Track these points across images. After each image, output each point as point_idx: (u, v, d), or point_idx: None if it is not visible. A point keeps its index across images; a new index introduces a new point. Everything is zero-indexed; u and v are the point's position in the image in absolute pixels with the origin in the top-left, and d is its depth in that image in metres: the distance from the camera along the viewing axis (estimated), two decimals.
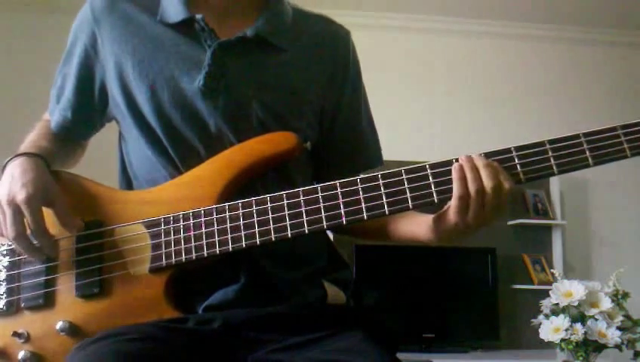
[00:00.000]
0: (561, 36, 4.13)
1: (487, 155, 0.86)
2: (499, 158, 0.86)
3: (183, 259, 0.88)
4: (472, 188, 0.84)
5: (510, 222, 3.71)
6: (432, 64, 4.03)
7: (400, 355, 0.88)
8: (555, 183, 3.79)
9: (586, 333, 2.10)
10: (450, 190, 0.85)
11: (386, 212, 0.85)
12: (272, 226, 0.87)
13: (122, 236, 0.91)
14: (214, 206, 0.89)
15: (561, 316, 2.15)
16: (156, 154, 0.96)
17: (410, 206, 0.86)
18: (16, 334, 0.89)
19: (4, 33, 3.66)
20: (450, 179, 0.85)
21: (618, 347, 2.12)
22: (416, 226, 0.98)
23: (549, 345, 2.23)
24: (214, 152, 0.93)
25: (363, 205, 0.86)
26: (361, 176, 0.88)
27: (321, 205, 0.86)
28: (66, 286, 0.90)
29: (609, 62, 4.16)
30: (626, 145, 0.83)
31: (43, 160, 0.94)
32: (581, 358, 2.16)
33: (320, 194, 0.87)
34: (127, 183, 1.02)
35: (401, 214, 0.97)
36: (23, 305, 0.91)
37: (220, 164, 0.92)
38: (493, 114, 3.98)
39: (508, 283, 3.64)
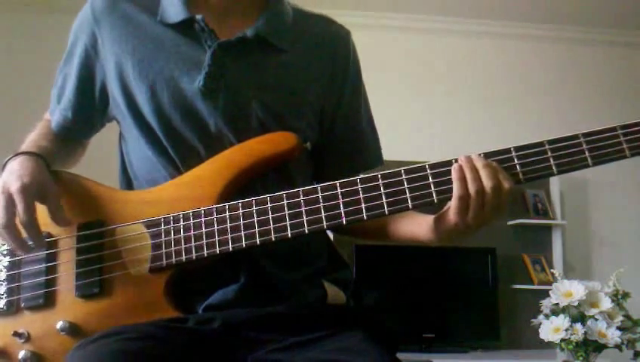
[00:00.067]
0: (560, 36, 4.13)
1: (487, 155, 0.86)
2: (498, 158, 0.86)
3: (183, 259, 0.88)
4: (471, 188, 0.84)
5: (510, 222, 3.71)
6: (432, 64, 4.03)
7: (400, 355, 0.88)
8: (555, 183, 3.79)
9: (586, 333, 2.10)
10: (450, 190, 0.85)
11: (386, 212, 0.85)
12: (272, 226, 0.87)
13: (122, 236, 0.91)
14: (214, 206, 0.89)
15: (561, 316, 2.15)
16: (156, 155, 0.96)
17: (410, 206, 0.86)
18: (16, 334, 0.89)
19: (4, 33, 3.66)
20: (450, 179, 0.85)
21: (618, 347, 2.12)
22: (416, 226, 0.98)
23: (549, 345, 2.23)
24: (214, 152, 0.93)
25: (363, 205, 0.86)
26: (361, 176, 0.88)
27: (321, 205, 0.86)
28: (66, 286, 0.91)
29: (608, 62, 4.16)
30: (625, 146, 0.83)
31: (42, 159, 0.95)
32: (581, 358, 2.16)
33: (320, 194, 0.87)
34: (128, 183, 1.02)
35: (401, 214, 0.97)
36: (23, 304, 0.91)
37: (220, 164, 0.93)
38: (492, 114, 3.98)
39: (508, 283, 3.64)
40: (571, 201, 3.92)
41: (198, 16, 0.95)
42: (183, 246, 0.88)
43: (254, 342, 0.88)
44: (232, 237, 0.87)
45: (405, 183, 0.86)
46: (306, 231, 0.86)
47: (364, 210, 0.85)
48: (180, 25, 0.97)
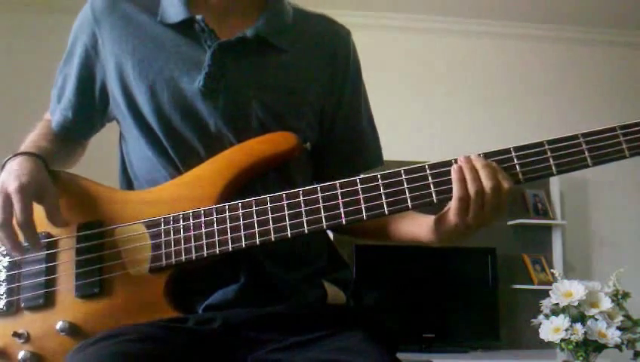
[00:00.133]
0: (560, 36, 4.13)
1: (487, 156, 0.86)
2: (498, 158, 0.86)
3: (183, 259, 0.88)
4: (471, 189, 0.84)
5: (510, 222, 3.71)
6: (432, 64, 4.03)
7: (400, 355, 0.88)
8: (555, 183, 3.79)
9: (586, 333, 2.10)
10: (450, 190, 0.85)
11: (386, 212, 0.85)
12: (271, 226, 0.87)
13: (122, 236, 0.91)
14: (214, 206, 0.89)
15: (561, 316, 2.15)
16: (156, 155, 0.96)
17: (410, 206, 0.86)
18: (16, 334, 0.89)
19: (4, 33, 3.66)
20: (450, 179, 0.85)
21: (618, 347, 2.12)
22: (417, 227, 0.98)
23: (549, 345, 2.23)
24: (214, 152, 0.93)
25: (362, 205, 0.86)
26: (361, 176, 0.88)
27: (321, 205, 0.86)
28: (66, 286, 0.90)
29: (608, 62, 4.16)
30: (624, 146, 0.83)
31: (41, 159, 0.94)
32: (581, 358, 2.16)
33: (320, 194, 0.87)
34: (128, 183, 1.02)
35: (402, 215, 0.97)
36: (23, 305, 0.91)
37: (220, 164, 0.92)
38: (492, 114, 3.98)
39: (508, 283, 3.64)
40: (571, 201, 3.92)
41: (198, 17, 0.95)
42: (183, 246, 0.88)
43: (254, 342, 0.88)
44: (231, 238, 0.87)
45: (405, 183, 0.86)
46: (306, 231, 0.86)
47: (363, 210, 0.85)
48: (180, 25, 0.97)
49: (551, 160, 0.84)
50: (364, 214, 0.85)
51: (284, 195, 0.88)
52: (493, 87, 4.04)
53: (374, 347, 0.85)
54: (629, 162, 0.86)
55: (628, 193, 3.99)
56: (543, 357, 3.30)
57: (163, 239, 0.89)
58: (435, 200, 0.85)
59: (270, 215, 0.87)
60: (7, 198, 0.87)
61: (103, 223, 0.93)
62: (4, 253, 0.93)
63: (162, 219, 0.90)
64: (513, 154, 0.85)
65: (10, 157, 0.94)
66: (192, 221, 0.89)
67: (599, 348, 2.13)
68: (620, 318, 2.14)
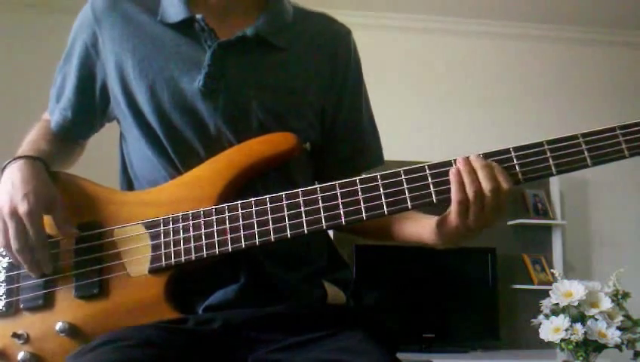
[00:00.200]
0: (560, 36, 4.13)
1: (486, 156, 0.86)
2: (497, 159, 0.86)
3: (183, 260, 0.88)
4: (470, 191, 0.83)
5: (510, 222, 3.71)
6: (431, 64, 4.03)
7: (400, 355, 0.88)
8: (555, 183, 3.79)
9: (586, 333, 2.10)
10: (449, 190, 0.84)
11: (385, 212, 0.85)
12: (271, 226, 0.86)
13: (122, 237, 0.91)
14: (214, 206, 0.89)
15: (561, 316, 2.14)
16: (156, 155, 0.96)
17: (410, 206, 0.85)
18: (15, 335, 0.89)
19: (4, 33, 3.66)
20: (449, 179, 0.85)
21: (618, 347, 2.12)
22: (421, 228, 0.97)
23: (549, 345, 2.23)
24: (214, 153, 0.93)
25: (362, 205, 0.85)
26: (361, 176, 0.87)
27: (321, 205, 0.86)
28: (65, 287, 0.90)
29: (608, 62, 4.16)
30: (624, 146, 0.83)
31: (42, 163, 0.94)
32: (581, 358, 2.16)
33: (319, 194, 0.87)
34: (128, 184, 1.02)
35: (407, 215, 0.97)
36: (22, 306, 0.91)
37: (220, 164, 0.92)
38: (492, 114, 3.98)
39: (508, 283, 3.64)
40: (571, 201, 3.92)
41: (198, 16, 0.95)
42: (183, 247, 0.88)
43: (254, 342, 0.88)
44: (231, 238, 0.87)
45: (405, 183, 0.86)
46: (306, 231, 0.86)
47: (363, 211, 0.85)
48: (180, 24, 0.97)
49: (550, 160, 0.84)
50: (363, 214, 0.85)
51: (283, 196, 0.87)
52: (492, 87, 4.04)
53: (374, 347, 0.85)
54: (628, 162, 0.86)
55: (628, 193, 3.99)
56: (543, 357, 3.30)
57: (163, 240, 0.89)
58: (434, 201, 0.85)
59: (270, 215, 0.87)
60: (21, 223, 0.87)
61: (103, 224, 0.92)
62: (3, 253, 0.93)
63: (162, 220, 0.90)
64: (513, 154, 0.85)
65: (10, 161, 0.93)
66: (191, 221, 0.89)
67: (599, 348, 2.13)
68: (620, 318, 2.14)
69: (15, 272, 0.92)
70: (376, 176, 0.86)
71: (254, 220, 0.87)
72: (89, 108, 1.03)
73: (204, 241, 0.88)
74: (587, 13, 3.94)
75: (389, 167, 0.89)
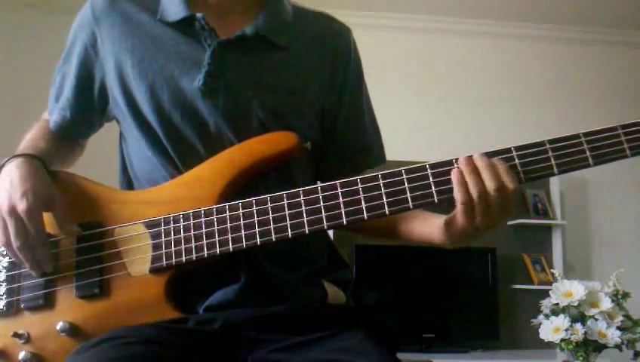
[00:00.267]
0: (560, 36, 4.14)
1: (487, 155, 0.85)
2: (499, 158, 0.85)
3: (184, 260, 0.88)
4: (473, 192, 0.82)
5: (510, 222, 3.71)
6: (431, 64, 4.03)
7: (400, 355, 0.88)
8: (555, 183, 3.79)
9: (586, 333, 2.10)
10: (451, 190, 0.84)
11: (387, 212, 0.85)
12: (272, 226, 0.86)
13: (122, 236, 0.91)
14: (214, 206, 0.89)
15: (561, 316, 2.14)
16: (156, 154, 0.96)
17: (411, 206, 0.85)
18: (16, 335, 0.89)
19: (4, 33, 3.66)
20: (451, 179, 0.84)
21: (618, 347, 2.12)
22: (429, 228, 0.96)
23: (549, 345, 2.22)
24: (214, 152, 0.93)
25: (363, 205, 0.85)
26: (362, 176, 0.87)
27: (322, 205, 0.86)
28: (66, 286, 0.90)
29: (608, 62, 4.16)
30: (626, 145, 0.82)
31: (41, 161, 0.94)
32: (581, 358, 2.15)
33: (320, 194, 0.86)
34: (128, 183, 1.02)
35: (414, 214, 0.97)
36: (23, 305, 0.91)
37: (220, 163, 0.92)
38: (492, 114, 3.98)
39: (508, 283, 3.64)
40: (571, 201, 3.92)
41: (199, 15, 0.95)
42: (183, 246, 0.88)
43: (255, 342, 0.87)
44: (232, 238, 0.87)
45: (406, 183, 0.85)
46: (307, 231, 0.86)
47: (364, 210, 0.85)
48: (180, 23, 0.96)
49: (552, 159, 0.83)
50: (364, 214, 0.85)
51: (284, 195, 0.87)
52: (492, 87, 4.04)
53: (375, 347, 0.85)
54: (629, 162, 0.86)
55: (628, 193, 3.99)
56: (543, 357, 3.30)
57: (163, 239, 0.89)
58: (436, 200, 0.85)
59: (271, 215, 0.87)
60: (20, 221, 0.87)
61: (103, 223, 0.92)
62: (4, 253, 0.93)
63: (162, 219, 0.90)
64: (514, 153, 0.85)
65: (8, 159, 0.93)
66: (192, 221, 0.89)
67: (599, 348, 2.13)
68: (620, 318, 2.14)
69: (16, 271, 0.92)
70: (378, 175, 0.86)
71: (255, 220, 0.87)
72: (88, 108, 1.03)
73: (204, 241, 0.88)
74: (587, 13, 3.94)
75: (389, 167, 0.89)
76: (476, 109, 3.98)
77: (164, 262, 0.88)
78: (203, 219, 0.88)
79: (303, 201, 0.86)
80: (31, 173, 0.90)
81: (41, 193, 0.89)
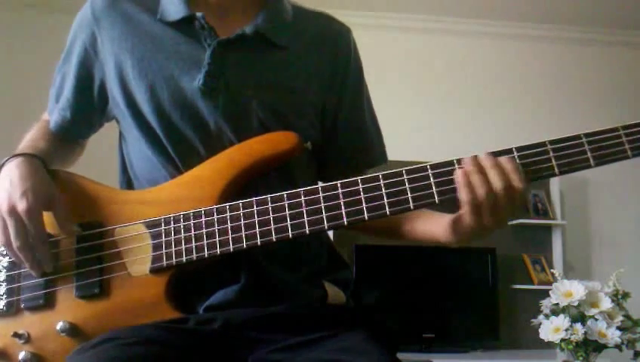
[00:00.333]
0: (560, 36, 4.14)
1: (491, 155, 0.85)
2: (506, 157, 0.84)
3: (184, 260, 0.88)
4: (480, 192, 0.81)
5: (510, 222, 3.71)
6: (431, 64, 4.03)
7: (400, 355, 0.88)
8: (555, 183, 3.79)
9: (586, 333, 2.10)
10: (452, 190, 0.84)
11: (387, 213, 0.85)
12: (272, 226, 0.86)
13: (123, 236, 0.91)
14: (215, 206, 0.89)
15: (561, 316, 2.14)
16: (156, 154, 0.95)
17: (412, 206, 0.85)
18: (16, 335, 0.89)
19: (4, 33, 3.66)
20: (452, 179, 0.84)
21: (618, 347, 2.12)
22: (434, 226, 0.96)
23: (549, 345, 2.22)
24: (214, 152, 0.93)
25: (364, 205, 0.85)
26: (362, 176, 0.87)
27: (322, 205, 0.86)
28: (66, 286, 0.90)
29: (608, 62, 4.16)
30: (627, 146, 0.82)
31: (41, 161, 0.94)
32: (581, 358, 2.15)
33: (321, 194, 0.86)
34: (128, 183, 1.02)
35: (417, 213, 0.97)
36: (23, 305, 0.91)
37: (220, 163, 0.92)
38: (492, 114, 3.98)
39: (508, 283, 3.64)
40: (571, 201, 3.92)
41: (199, 14, 0.95)
42: (184, 246, 0.88)
43: (255, 342, 0.87)
44: (232, 238, 0.87)
45: (407, 183, 0.85)
46: (307, 231, 0.85)
47: (365, 211, 0.85)
48: (180, 23, 0.96)
49: (553, 160, 0.83)
50: (365, 215, 0.85)
51: (285, 195, 0.87)
52: (492, 87, 4.04)
53: (375, 347, 0.85)
54: (629, 162, 0.85)
55: (628, 193, 3.99)
56: (543, 357, 3.30)
57: (164, 239, 0.89)
58: (437, 201, 0.84)
59: (271, 215, 0.87)
60: (20, 221, 0.87)
61: (103, 223, 0.92)
62: (4, 253, 0.93)
63: (163, 219, 0.90)
64: (515, 154, 0.84)
65: (8, 159, 0.93)
66: (192, 221, 0.89)
67: (599, 348, 2.13)
68: (620, 318, 2.14)
69: (16, 271, 0.92)
70: (379, 176, 0.86)
71: (256, 220, 0.87)
72: (88, 108, 1.03)
73: (205, 241, 0.87)
74: (587, 13, 3.94)
75: (389, 167, 0.89)
76: (476, 109, 3.98)
77: (165, 262, 0.88)
78: (203, 219, 0.88)
79: (303, 201, 0.86)
80: (31, 173, 0.90)
81: (40, 192, 0.89)
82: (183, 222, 0.89)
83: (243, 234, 0.87)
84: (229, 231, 0.87)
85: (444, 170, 0.85)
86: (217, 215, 0.88)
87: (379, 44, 3.83)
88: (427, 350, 3.30)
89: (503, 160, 0.83)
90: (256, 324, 0.88)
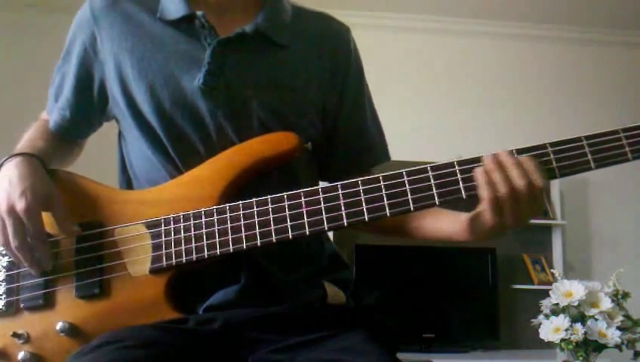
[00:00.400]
0: (560, 36, 4.13)
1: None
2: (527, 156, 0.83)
3: (184, 260, 0.88)
4: (502, 190, 0.80)
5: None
6: (431, 64, 4.03)
7: (400, 355, 0.88)
8: (555, 183, 3.79)
9: (586, 333, 2.10)
10: (452, 192, 0.83)
11: (387, 214, 0.84)
12: (272, 227, 0.86)
13: (123, 236, 0.91)
14: (215, 206, 0.89)
15: (561, 316, 2.14)
16: (156, 154, 0.95)
17: (412, 208, 0.84)
18: (15, 335, 0.89)
19: (4, 33, 3.66)
20: (452, 180, 0.83)
21: (618, 347, 2.12)
22: (445, 224, 0.95)
23: (549, 345, 2.22)
24: (214, 152, 0.93)
25: (364, 206, 0.85)
26: (363, 177, 0.87)
27: (322, 206, 0.86)
28: (65, 286, 0.90)
29: (607, 62, 4.16)
30: (627, 149, 0.82)
31: (39, 160, 0.94)
32: (581, 358, 2.15)
33: (321, 195, 0.86)
34: (127, 183, 1.02)
35: (425, 211, 0.95)
36: (22, 305, 0.91)
37: (220, 164, 0.92)
38: (492, 113, 3.98)
39: (508, 283, 3.64)
40: (571, 201, 3.92)
41: (199, 13, 0.95)
42: (184, 246, 0.88)
43: (255, 342, 0.87)
44: (232, 238, 0.87)
45: (407, 185, 0.85)
46: (307, 232, 0.85)
47: (365, 212, 0.85)
48: (180, 22, 0.96)
49: (554, 162, 0.82)
50: (365, 216, 0.84)
51: (285, 196, 0.87)
52: (492, 86, 4.04)
53: (375, 347, 0.85)
54: (629, 163, 0.85)
55: (628, 193, 3.99)
56: (543, 357, 3.30)
57: (164, 239, 0.89)
58: (437, 203, 0.84)
59: (271, 216, 0.86)
60: (19, 220, 0.87)
61: (103, 223, 0.92)
62: (4, 252, 0.93)
63: (163, 220, 0.90)
64: (516, 155, 0.84)
65: (7, 158, 0.93)
66: (192, 221, 0.89)
67: (599, 348, 2.13)
68: (620, 318, 2.14)
69: (15, 271, 0.92)
70: (379, 177, 0.86)
71: (256, 220, 0.87)
72: (87, 108, 1.03)
73: (205, 241, 0.87)
74: (586, 13, 3.94)
75: (389, 167, 0.89)
76: (476, 109, 3.98)
77: (165, 263, 0.88)
78: (203, 220, 0.88)
79: (303, 202, 0.86)
80: (30, 172, 0.90)
81: (40, 192, 0.88)
82: (183, 222, 0.89)
83: (243, 234, 0.87)
84: (229, 231, 0.87)
85: (444, 171, 0.85)
86: (217, 215, 0.88)
87: (379, 44, 3.83)
88: (427, 350, 3.30)
89: (524, 159, 0.82)
90: (256, 324, 0.88)
